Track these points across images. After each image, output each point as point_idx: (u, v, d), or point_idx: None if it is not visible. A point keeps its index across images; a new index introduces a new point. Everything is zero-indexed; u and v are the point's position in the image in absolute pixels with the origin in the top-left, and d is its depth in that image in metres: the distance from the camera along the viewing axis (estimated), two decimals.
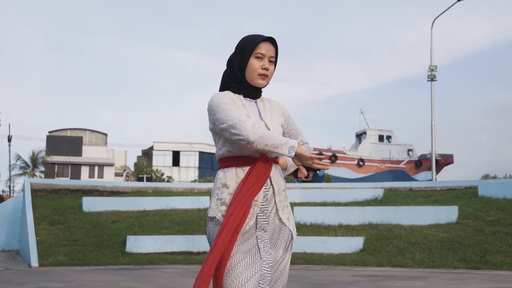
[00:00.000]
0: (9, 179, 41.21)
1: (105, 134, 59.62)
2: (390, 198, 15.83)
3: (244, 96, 2.51)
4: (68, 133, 59.29)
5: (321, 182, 30.51)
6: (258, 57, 2.46)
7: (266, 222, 2.43)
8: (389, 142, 46.77)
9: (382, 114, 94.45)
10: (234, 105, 2.40)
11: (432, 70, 27.61)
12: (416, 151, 47.49)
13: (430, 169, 36.57)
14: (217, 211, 2.39)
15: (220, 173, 2.46)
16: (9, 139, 40.42)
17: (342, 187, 17.96)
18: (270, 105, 2.57)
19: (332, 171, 38.23)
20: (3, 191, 46.21)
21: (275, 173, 2.50)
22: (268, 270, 2.36)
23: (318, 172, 41.13)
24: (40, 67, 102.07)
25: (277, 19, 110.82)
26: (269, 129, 2.43)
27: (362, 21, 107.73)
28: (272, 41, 2.49)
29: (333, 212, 14.13)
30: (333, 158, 42.96)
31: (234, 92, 2.50)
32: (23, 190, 17.00)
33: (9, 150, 42.32)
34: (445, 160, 45.95)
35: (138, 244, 12.46)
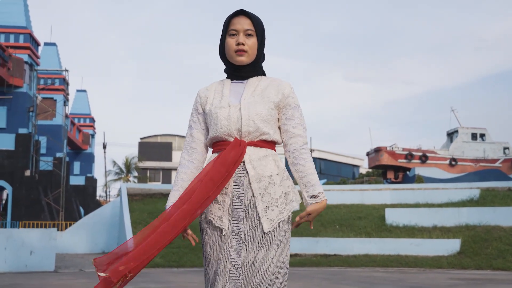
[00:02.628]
0: (105, 185, 43.17)
1: None
2: (487, 199, 15.13)
3: (232, 79, 2.40)
4: (159, 139, 61.45)
5: (412, 182, 29.67)
6: (232, 34, 2.32)
7: (242, 210, 2.25)
8: (482, 140, 44.85)
9: (473, 111, 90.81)
10: (196, 114, 2.42)
11: None
12: None
13: None
14: None
15: None
16: (104, 147, 42.28)
17: (434, 188, 17.33)
18: (268, 84, 2.36)
19: (423, 171, 37.00)
20: (100, 196, 48.51)
21: (256, 157, 2.28)
22: (236, 276, 2.21)
23: (408, 172, 40.02)
24: (126, 75, 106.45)
25: (353, 17, 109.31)
26: (240, 112, 2.26)
27: (444, 15, 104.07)
28: (245, 14, 2.34)
29: (426, 213, 13.71)
30: (423, 158, 41.73)
31: (227, 77, 2.42)
32: (119, 195, 17.71)
33: (104, 157, 44.28)
34: None
35: None
